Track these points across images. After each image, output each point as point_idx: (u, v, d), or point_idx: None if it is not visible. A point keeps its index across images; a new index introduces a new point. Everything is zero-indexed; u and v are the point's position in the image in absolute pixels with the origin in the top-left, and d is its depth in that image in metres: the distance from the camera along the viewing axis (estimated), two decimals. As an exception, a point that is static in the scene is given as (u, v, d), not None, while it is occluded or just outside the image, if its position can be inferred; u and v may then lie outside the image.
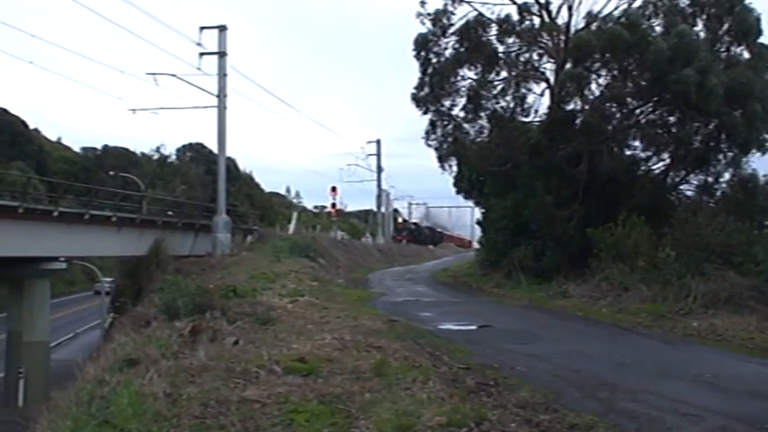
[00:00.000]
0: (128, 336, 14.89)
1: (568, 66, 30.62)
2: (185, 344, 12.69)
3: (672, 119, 30.78)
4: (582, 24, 31.26)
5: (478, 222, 43.87)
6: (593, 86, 30.93)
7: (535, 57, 33.59)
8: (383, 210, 75.53)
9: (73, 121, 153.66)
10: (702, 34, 29.79)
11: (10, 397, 29.19)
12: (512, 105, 33.56)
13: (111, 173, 67.33)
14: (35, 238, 27.10)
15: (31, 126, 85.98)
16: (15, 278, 29.37)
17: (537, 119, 33.66)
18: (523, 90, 33.59)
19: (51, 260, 29.15)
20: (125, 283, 33.45)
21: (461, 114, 33.91)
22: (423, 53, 33.41)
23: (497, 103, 33.55)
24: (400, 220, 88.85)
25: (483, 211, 40.59)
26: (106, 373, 11.29)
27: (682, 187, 32.80)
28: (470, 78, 33.62)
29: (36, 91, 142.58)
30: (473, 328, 18.55)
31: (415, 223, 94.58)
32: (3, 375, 31.23)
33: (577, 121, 31.35)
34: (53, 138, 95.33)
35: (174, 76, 35.67)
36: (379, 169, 71.08)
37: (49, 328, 31.81)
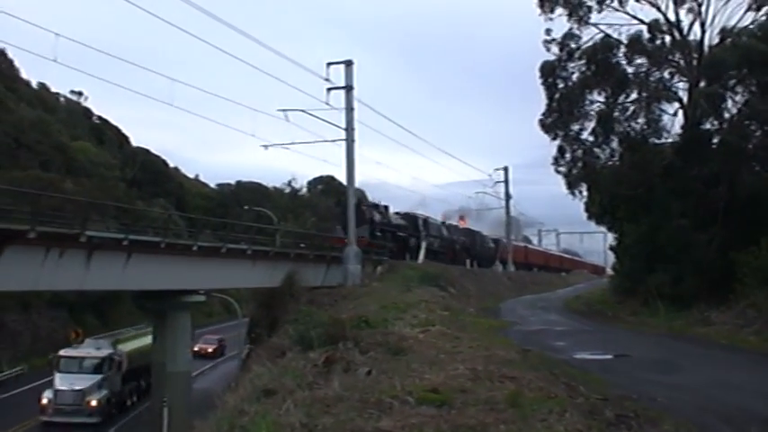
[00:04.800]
0: (264, 366, 15.24)
1: (702, 84, 29.58)
2: (320, 374, 12.88)
3: (820, 135, 29.10)
4: (716, 40, 30.15)
5: (612, 248, 42.69)
6: (730, 104, 29.70)
7: (666, 76, 32.64)
8: (513, 237, 74.54)
9: (209, 158, 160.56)
10: None
11: (155, 425, 30.42)
12: (644, 127, 32.62)
13: (246, 207, 69.52)
14: (176, 271, 28.27)
15: (171, 165, 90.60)
16: (159, 310, 30.68)
17: (670, 140, 32.61)
18: (655, 111, 32.60)
19: (191, 293, 30.28)
20: (260, 314, 34.32)
21: (591, 138, 33.28)
22: (549, 79, 33.10)
23: (629, 125, 32.71)
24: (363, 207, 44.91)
25: (616, 236, 39.50)
26: (245, 404, 11.60)
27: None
28: (599, 102, 33.03)
29: (175, 131, 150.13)
30: (609, 357, 18.01)
31: (400, 213, 51.20)
32: (149, 404, 32.66)
33: (714, 141, 30.15)
34: (191, 175, 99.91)
35: (303, 111, 36.64)
36: (508, 196, 70.35)
37: (190, 358, 33.05)
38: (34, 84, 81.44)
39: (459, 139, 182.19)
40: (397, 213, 50.45)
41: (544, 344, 19.97)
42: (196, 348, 48.71)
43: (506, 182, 69.56)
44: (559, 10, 32.43)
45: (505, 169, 69.69)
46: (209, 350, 55.73)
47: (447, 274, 42.33)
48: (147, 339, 39.29)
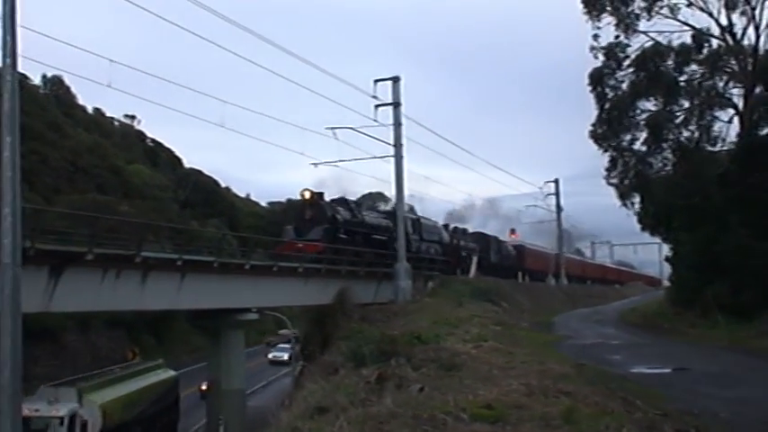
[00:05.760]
0: (317, 383, 15.22)
1: (759, 89, 28.94)
2: (372, 391, 12.81)
3: None
4: (772, 44, 29.54)
5: (667, 259, 41.87)
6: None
7: (720, 82, 32.03)
8: (564, 250, 73.67)
9: (260, 177, 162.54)
10: None
11: (212, 443, 30.59)
12: (696, 135, 32.08)
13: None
14: (229, 290, 28.52)
15: (223, 185, 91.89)
16: (213, 329, 30.97)
17: (725, 147, 31.98)
18: (709, 118, 32.05)
19: (244, 311, 30.50)
20: (312, 331, 34.41)
21: (643, 148, 32.82)
22: (598, 88, 32.77)
23: (681, 133, 32.24)
24: (307, 195, 37.38)
25: (671, 246, 38.75)
26: (298, 421, 11.58)
27: None
28: (650, 110, 32.55)
29: (227, 152, 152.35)
30: (667, 371, 17.60)
31: (381, 211, 45.90)
32: (205, 422, 32.93)
33: (772, 147, 29.48)
34: (242, 194, 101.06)
35: (351, 128, 36.80)
36: (559, 209, 69.75)
37: (244, 376, 33.26)
38: (90, 109, 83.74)
39: (508, 153, 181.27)
40: (378, 212, 44.37)
41: (599, 358, 19.60)
42: (204, 387, 37.68)
43: (557, 194, 69.08)
44: (607, 18, 32.13)
45: (556, 182, 69.22)
46: None
47: (499, 289, 42.00)
48: (144, 380, 30.69)
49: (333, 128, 36.76)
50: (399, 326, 24.65)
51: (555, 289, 61.71)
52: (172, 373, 31.49)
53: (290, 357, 55.00)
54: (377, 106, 37.25)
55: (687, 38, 31.63)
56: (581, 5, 32.44)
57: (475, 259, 50.42)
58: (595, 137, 33.40)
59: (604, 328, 32.62)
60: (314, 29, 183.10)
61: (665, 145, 32.51)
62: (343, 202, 39.20)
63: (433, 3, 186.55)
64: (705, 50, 31.48)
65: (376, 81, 37.42)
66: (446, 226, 51.81)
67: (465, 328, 23.10)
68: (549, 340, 25.12)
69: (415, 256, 39.68)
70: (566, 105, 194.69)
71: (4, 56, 13.29)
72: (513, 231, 68.58)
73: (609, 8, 31.90)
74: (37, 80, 74.25)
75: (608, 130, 32.94)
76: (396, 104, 37.92)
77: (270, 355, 59.80)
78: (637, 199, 35.08)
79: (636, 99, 32.58)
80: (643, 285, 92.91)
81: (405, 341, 18.34)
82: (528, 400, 11.30)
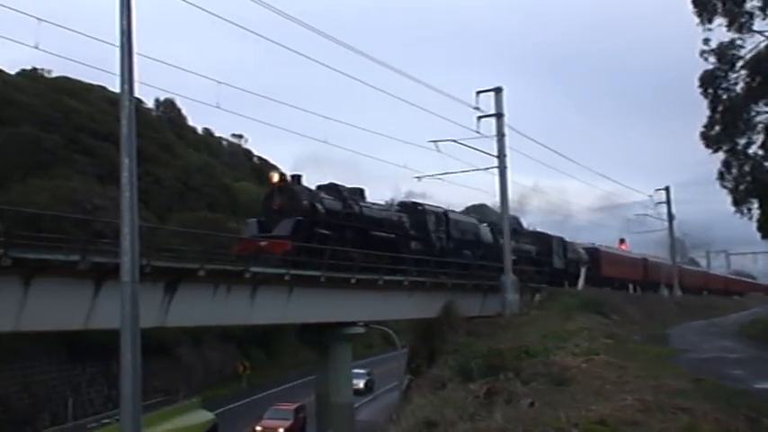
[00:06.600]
0: (424, 398, 15.21)
1: None
2: (481, 406, 12.69)
3: None
4: None
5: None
6: None
7: None
8: (678, 260, 71.22)
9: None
10: None
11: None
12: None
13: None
14: (336, 304, 28.87)
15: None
16: (321, 343, 31.38)
17: None
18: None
19: (351, 325, 30.78)
20: (418, 345, 34.41)
21: (760, 152, 31.33)
22: (710, 90, 31.49)
23: (801, 136, 30.60)
24: (275, 178, 30.32)
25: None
26: (407, 436, 11.57)
27: None
28: (767, 112, 31.07)
29: (330, 167, 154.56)
30: (795, 386, 16.66)
31: (393, 203, 37.30)
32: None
33: None
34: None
35: (454, 141, 36.75)
36: (671, 217, 67.47)
37: (352, 389, 33.50)
38: (200, 129, 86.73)
39: (615, 161, 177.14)
40: (388, 204, 36.83)
41: (719, 372, 18.74)
42: (259, 428, 37.48)
43: (668, 202, 66.79)
44: (719, 19, 30.89)
45: (667, 189, 66.96)
46: (280, 430, 37.60)
47: (609, 301, 40.99)
48: (165, 427, 23.39)
49: (435, 141, 36.74)
50: (507, 339, 24.35)
51: (668, 300, 59.65)
52: (209, 416, 25.59)
53: (365, 385, 51.71)
54: (479, 117, 37.15)
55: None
56: (691, 7, 31.28)
57: (583, 270, 49.26)
58: (707, 138, 32.08)
59: (723, 340, 31.23)
60: (415, 43, 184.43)
61: (785, 149, 31.02)
62: (332, 188, 31.73)
63: (535, 12, 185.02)
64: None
65: (478, 92, 37.38)
66: (492, 225, 44.11)
67: (574, 342, 22.64)
68: (663, 354, 24.23)
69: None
70: (673, 112, 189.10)
71: (122, 82, 13.84)
72: (622, 241, 66.81)
73: (720, 9, 30.66)
74: (150, 103, 77.51)
75: (721, 133, 31.60)
76: (498, 115, 37.75)
77: None
78: (754, 205, 33.50)
79: (751, 102, 31.16)
80: (764, 296, 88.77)
81: (513, 355, 18.12)
82: (644, 417, 10.93)
